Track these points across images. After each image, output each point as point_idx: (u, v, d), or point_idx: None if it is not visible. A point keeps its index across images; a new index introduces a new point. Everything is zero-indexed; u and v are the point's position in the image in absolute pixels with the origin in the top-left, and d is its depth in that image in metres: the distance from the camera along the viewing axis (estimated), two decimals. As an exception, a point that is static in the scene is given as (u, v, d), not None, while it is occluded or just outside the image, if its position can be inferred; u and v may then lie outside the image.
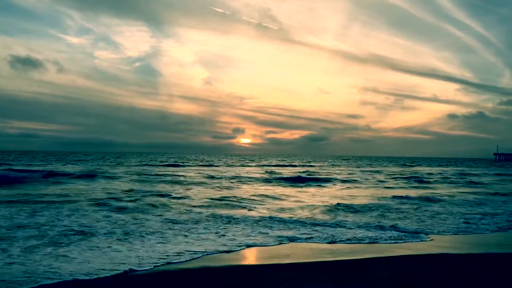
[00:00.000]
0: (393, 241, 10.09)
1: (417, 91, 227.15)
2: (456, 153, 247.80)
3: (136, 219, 12.27)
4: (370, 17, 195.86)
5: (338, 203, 16.78)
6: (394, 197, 20.20)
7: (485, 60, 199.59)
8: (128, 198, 17.20)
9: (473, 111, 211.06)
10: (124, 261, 7.59)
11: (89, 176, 28.71)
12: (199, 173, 38.69)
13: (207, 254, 8.35)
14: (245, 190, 23.09)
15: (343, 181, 32.33)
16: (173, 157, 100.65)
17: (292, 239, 9.98)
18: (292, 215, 13.84)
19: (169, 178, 30.14)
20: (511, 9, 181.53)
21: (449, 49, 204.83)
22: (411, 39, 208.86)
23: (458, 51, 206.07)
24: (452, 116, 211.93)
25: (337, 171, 47.85)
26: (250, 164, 65.97)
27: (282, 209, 15.38)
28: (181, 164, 60.40)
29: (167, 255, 8.11)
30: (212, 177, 32.38)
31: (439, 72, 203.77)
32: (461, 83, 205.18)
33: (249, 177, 33.22)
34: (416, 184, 31.54)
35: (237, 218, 12.85)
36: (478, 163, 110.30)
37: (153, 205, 15.27)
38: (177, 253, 8.33)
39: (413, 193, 23.13)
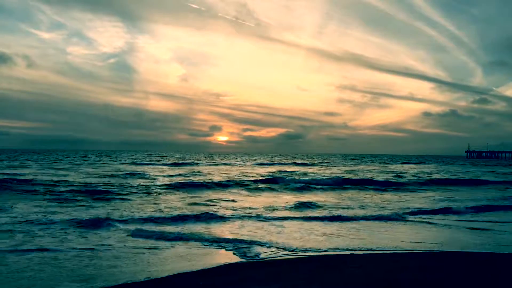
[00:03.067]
0: None
1: (393, 89, 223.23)
2: (429, 150, 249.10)
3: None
4: (345, 15, 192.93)
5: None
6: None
7: (458, 59, 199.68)
8: None
9: (446, 109, 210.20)
10: None
11: None
12: (157, 175, 32.14)
13: None
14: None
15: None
16: (148, 155, 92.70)
17: None
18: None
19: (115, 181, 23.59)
20: (483, 9, 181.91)
21: (423, 48, 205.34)
22: (386, 38, 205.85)
23: (431, 50, 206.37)
24: (426, 114, 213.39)
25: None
26: (238, 163, 58.89)
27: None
28: (148, 162, 52.97)
29: None
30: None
31: (413, 71, 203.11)
32: (434, 82, 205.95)
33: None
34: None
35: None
36: (456, 160, 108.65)
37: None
38: None
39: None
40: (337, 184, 25.28)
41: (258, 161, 66.15)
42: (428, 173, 38.59)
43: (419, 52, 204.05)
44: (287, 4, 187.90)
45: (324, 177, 28.85)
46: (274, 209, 14.24)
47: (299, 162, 66.68)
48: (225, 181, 24.37)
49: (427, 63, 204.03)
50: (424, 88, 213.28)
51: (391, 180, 29.25)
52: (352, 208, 14.93)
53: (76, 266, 6.90)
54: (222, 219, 11.99)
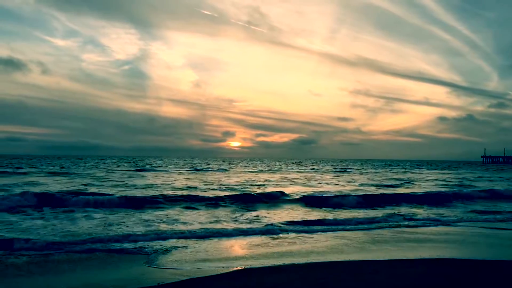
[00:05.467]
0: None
1: (407, 94, 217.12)
2: (444, 156, 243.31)
3: None
4: (358, 20, 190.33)
5: None
6: None
7: (473, 63, 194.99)
8: None
9: (463, 114, 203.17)
10: None
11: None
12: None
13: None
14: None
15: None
16: (159, 161, 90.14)
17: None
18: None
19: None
20: (498, 13, 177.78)
21: (437, 52, 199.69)
22: (399, 42, 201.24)
23: (446, 54, 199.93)
24: (442, 119, 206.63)
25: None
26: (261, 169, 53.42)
27: None
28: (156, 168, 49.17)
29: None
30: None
31: (428, 75, 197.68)
32: (449, 86, 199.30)
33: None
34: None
35: None
36: (473, 165, 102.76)
37: None
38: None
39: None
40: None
41: (296, 168, 59.24)
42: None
43: (433, 56, 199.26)
44: (299, 9, 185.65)
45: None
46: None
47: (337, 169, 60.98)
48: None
49: (442, 67, 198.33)
50: (439, 93, 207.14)
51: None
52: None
53: None
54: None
